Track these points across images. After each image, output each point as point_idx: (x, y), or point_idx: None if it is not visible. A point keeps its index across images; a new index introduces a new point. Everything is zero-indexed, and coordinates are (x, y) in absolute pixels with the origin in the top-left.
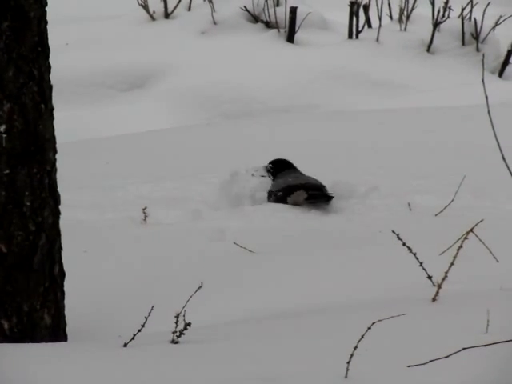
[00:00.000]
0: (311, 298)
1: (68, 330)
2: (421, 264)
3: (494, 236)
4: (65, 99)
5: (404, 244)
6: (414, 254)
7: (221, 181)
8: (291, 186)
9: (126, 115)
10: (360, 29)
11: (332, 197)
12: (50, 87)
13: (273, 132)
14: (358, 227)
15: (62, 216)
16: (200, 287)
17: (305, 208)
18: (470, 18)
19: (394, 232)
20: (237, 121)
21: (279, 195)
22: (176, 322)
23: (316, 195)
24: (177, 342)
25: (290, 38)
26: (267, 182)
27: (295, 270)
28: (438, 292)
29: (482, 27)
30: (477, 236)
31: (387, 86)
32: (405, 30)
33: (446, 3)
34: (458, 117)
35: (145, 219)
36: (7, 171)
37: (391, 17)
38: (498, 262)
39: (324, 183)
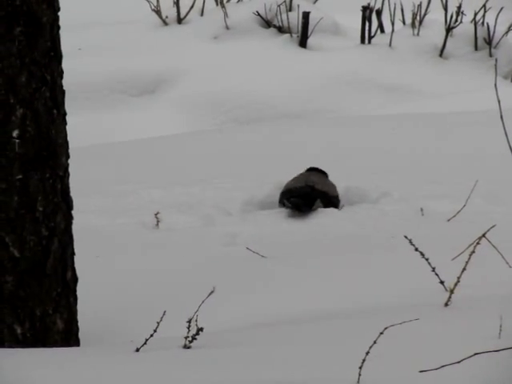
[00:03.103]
0: (323, 303)
1: (80, 334)
2: (433, 269)
3: (506, 241)
4: (77, 104)
5: (416, 249)
6: (427, 259)
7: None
8: (284, 191)
9: (137, 120)
10: (372, 34)
11: (307, 208)
12: (63, 92)
13: (285, 138)
14: (370, 232)
15: (74, 221)
16: (212, 292)
17: (316, 213)
18: (482, 22)
19: (406, 237)
20: (249, 126)
21: (279, 199)
22: (188, 327)
23: (294, 203)
24: (189, 347)
25: (303, 43)
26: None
27: (307, 276)
28: (450, 297)
29: (494, 32)
30: (489, 241)
31: (400, 91)
32: (417, 34)
33: (459, 8)
34: (471, 122)
35: (157, 224)
36: (20, 176)
37: (404, 22)
38: (510, 267)
39: (336, 189)
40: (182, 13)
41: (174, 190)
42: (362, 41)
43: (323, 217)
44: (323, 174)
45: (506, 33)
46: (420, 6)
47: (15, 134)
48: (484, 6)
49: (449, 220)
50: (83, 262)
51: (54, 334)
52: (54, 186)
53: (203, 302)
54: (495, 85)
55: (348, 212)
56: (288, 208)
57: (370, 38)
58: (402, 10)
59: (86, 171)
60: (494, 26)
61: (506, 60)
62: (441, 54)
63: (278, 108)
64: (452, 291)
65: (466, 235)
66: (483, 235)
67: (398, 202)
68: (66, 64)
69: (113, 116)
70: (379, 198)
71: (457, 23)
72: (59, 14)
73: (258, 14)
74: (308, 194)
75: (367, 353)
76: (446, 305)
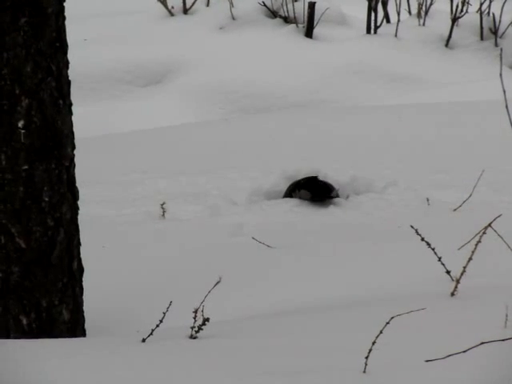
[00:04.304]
0: (330, 292)
1: (86, 325)
2: (439, 259)
3: None
4: (83, 95)
5: (422, 239)
6: (433, 249)
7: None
8: (296, 182)
9: (144, 110)
10: (378, 24)
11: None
12: (68, 83)
13: (291, 127)
14: (377, 222)
15: (80, 211)
16: (218, 282)
17: (322, 203)
18: (488, 12)
19: (412, 227)
20: (255, 116)
21: (286, 193)
22: (194, 318)
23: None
24: (195, 338)
25: (309, 33)
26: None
27: (313, 265)
28: (456, 287)
29: (500, 22)
30: (495, 231)
31: (406, 81)
32: (423, 24)
33: None
34: (476, 111)
35: (163, 214)
36: (26, 167)
37: (410, 12)
38: None
39: (342, 178)
40: (188, 3)
41: (180, 179)
42: (368, 31)
43: (329, 207)
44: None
45: None
46: None
47: (21, 124)
48: None
49: (455, 210)
50: (89, 252)
51: (59, 325)
52: (60, 176)
53: (209, 292)
54: (500, 74)
55: (354, 202)
56: (304, 199)
57: (376, 28)
58: (408, 0)
59: (92, 161)
60: (500, 16)
61: None
62: (447, 44)
63: (284, 98)
64: (458, 281)
65: (472, 225)
66: (489, 225)
67: (404, 191)
68: (71, 54)
69: (119, 106)
70: (385, 187)
71: (462, 13)
72: (65, 4)
73: (264, 5)
74: (316, 182)
75: (373, 342)
76: (453, 294)
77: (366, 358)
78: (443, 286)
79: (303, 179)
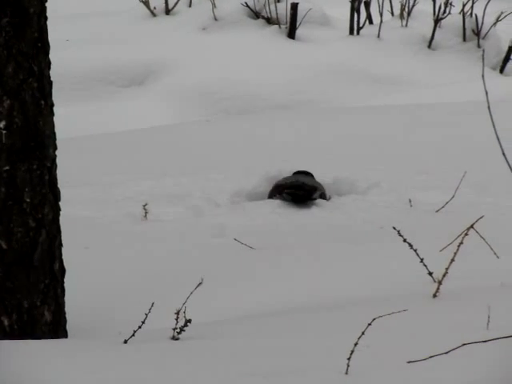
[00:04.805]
0: (311, 294)
1: (68, 326)
2: (421, 260)
3: (494, 232)
4: (65, 95)
5: (405, 240)
6: (415, 251)
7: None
8: (277, 186)
9: (126, 111)
10: (361, 25)
11: (309, 198)
12: (50, 83)
13: (274, 128)
14: (359, 223)
15: (62, 212)
16: (200, 283)
17: (305, 204)
18: (471, 14)
19: (394, 228)
20: (238, 117)
21: (269, 194)
22: (176, 319)
23: (291, 194)
24: (177, 339)
25: (291, 34)
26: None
27: (295, 267)
28: (438, 288)
29: (483, 23)
30: (477, 232)
31: (388, 82)
32: (406, 26)
33: None
34: (459, 112)
35: (145, 215)
36: (7, 167)
37: (392, 13)
38: (498, 258)
39: (325, 179)
40: (170, 4)
41: (162, 181)
42: (351, 32)
43: (312, 208)
44: (309, 174)
45: (494, 24)
46: None
47: (2, 125)
48: None
49: (437, 211)
50: (72, 253)
51: (41, 326)
52: (42, 177)
53: (191, 293)
54: (483, 75)
55: (336, 203)
56: (286, 200)
57: (359, 29)
58: (391, 1)
59: (74, 162)
60: (483, 17)
61: (494, 51)
62: (429, 45)
63: (267, 99)
64: (440, 282)
65: (454, 226)
66: (471, 226)
67: (387, 192)
68: (53, 55)
69: (101, 107)
70: (368, 188)
71: (445, 14)
72: (47, 4)
73: (247, 5)
74: (300, 187)
75: (356, 344)
76: (435, 296)
77: (348, 359)
78: (425, 287)
79: (289, 183)
